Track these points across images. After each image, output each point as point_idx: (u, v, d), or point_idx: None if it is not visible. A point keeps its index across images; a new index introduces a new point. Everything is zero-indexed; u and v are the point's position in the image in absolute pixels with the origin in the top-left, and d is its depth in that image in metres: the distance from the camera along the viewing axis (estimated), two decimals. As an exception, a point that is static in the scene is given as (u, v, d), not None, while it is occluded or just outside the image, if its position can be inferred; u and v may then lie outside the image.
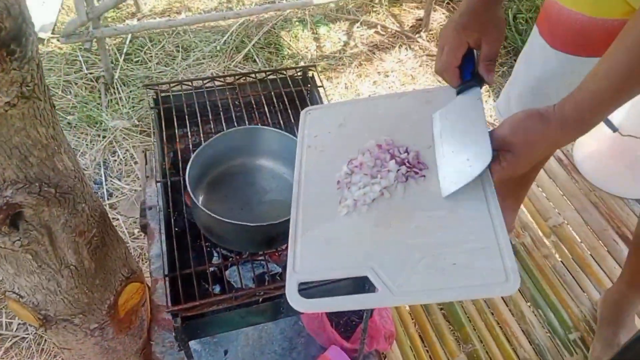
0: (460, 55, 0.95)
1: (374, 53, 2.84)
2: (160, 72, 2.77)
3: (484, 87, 0.95)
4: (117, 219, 2.30)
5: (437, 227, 0.80)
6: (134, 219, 2.32)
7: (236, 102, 1.28)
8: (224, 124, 1.21)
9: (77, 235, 1.07)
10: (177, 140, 1.17)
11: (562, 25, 1.14)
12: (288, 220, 0.88)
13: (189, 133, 1.20)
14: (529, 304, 1.63)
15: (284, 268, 1.08)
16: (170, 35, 2.93)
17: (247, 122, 1.25)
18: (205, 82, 1.28)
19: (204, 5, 3.13)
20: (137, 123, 2.59)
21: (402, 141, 0.94)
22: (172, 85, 1.25)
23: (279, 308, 1.01)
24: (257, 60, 2.82)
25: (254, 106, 1.29)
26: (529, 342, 1.56)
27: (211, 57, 2.86)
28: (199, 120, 1.21)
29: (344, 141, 0.97)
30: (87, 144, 2.50)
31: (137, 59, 2.81)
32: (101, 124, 2.55)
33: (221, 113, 1.23)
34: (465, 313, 1.61)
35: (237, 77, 1.31)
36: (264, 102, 1.27)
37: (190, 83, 1.26)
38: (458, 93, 0.96)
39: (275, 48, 2.88)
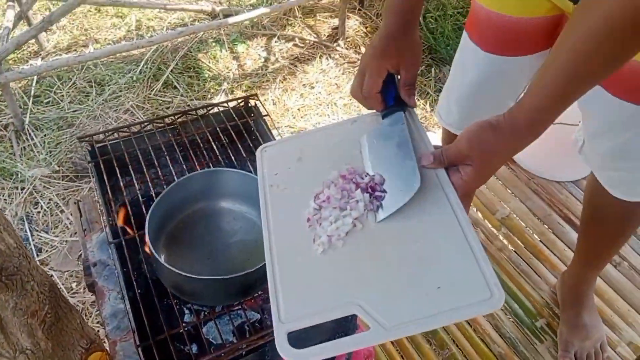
0: (380, 81, 0.94)
1: (295, 66, 2.81)
2: (75, 110, 2.59)
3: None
4: (52, 275, 2.12)
5: (413, 252, 0.78)
6: (69, 272, 2.15)
7: (179, 142, 1.20)
8: (171, 167, 1.13)
9: (29, 316, 0.96)
10: (124, 192, 1.08)
11: (491, 28, 1.17)
12: (264, 266, 0.83)
13: (135, 182, 1.11)
14: None
15: (263, 312, 1.02)
16: (80, 70, 2.75)
17: (195, 163, 1.18)
18: (143, 126, 1.19)
19: (112, 36, 2.97)
20: (58, 169, 2.41)
21: (362, 168, 0.92)
22: (107, 134, 1.15)
23: (264, 357, 0.96)
24: (178, 86, 2.71)
25: (200, 144, 1.21)
26: (500, 336, 1.59)
27: (128, 88, 2.71)
28: (143, 167, 1.12)
29: (306, 176, 0.93)
30: (4, 199, 2.28)
31: (47, 100, 2.61)
32: (17, 175, 2.34)
33: (166, 156, 1.15)
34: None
35: (176, 116, 1.23)
36: (210, 139, 1.20)
37: (127, 129, 1.17)
38: (383, 117, 0.96)
39: (195, 72, 2.78)
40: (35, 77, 2.64)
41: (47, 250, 2.18)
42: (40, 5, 3.04)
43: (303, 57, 2.85)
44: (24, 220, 2.24)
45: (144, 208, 1.06)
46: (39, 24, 2.32)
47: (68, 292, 2.07)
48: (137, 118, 2.56)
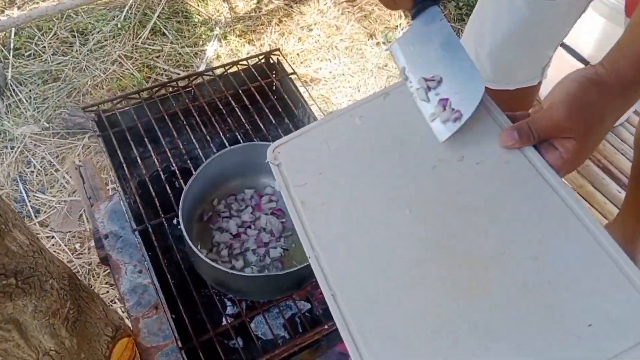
0: None
1: (291, 7, 2.57)
2: (59, 63, 2.35)
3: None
4: (53, 237, 1.98)
5: (534, 272, 0.56)
6: (71, 233, 2.01)
7: (197, 107, 1.03)
8: (190, 135, 0.96)
9: (50, 317, 0.83)
10: (142, 166, 0.92)
11: None
12: None
13: (153, 154, 0.95)
14: None
15: (313, 299, 0.90)
16: (61, 19, 2.47)
17: (217, 128, 1.01)
18: (155, 90, 1.02)
19: (90, -22, 2.66)
20: (47, 125, 2.21)
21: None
22: (115, 102, 0.98)
23: (318, 351, 0.84)
24: (167, 32, 2.46)
25: (220, 108, 1.04)
26: None
27: (113, 37, 2.46)
28: (160, 138, 0.96)
29: (345, 181, 0.68)
30: (-6, 159, 2.09)
31: (28, 53, 2.36)
32: (5, 133, 2.14)
33: (183, 123, 0.98)
34: None
35: (192, 77, 1.05)
36: (232, 102, 1.03)
37: (137, 95, 0.99)
38: (413, 17, 0.75)
39: (183, 16, 2.53)
40: (13, 29, 2.36)
41: (45, 211, 2.03)
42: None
43: (298, -4, 2.61)
44: (17, 181, 2.06)
45: (167, 186, 0.91)
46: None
47: (72, 254, 1.94)
48: (127, 69, 2.34)
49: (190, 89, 1.05)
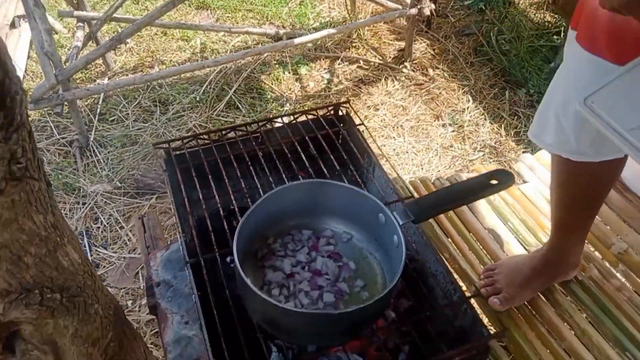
0: None
1: (360, 88, 2.64)
2: (139, 129, 2.48)
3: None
4: (109, 294, 1.97)
5: None
6: (125, 289, 2.00)
7: (264, 151, 1.02)
8: (255, 179, 0.94)
9: (90, 345, 0.78)
10: (203, 205, 0.90)
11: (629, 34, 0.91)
12: (380, 300, 0.62)
13: (215, 194, 0.93)
14: (614, 348, 1.34)
15: (367, 357, 0.81)
16: (146, 90, 2.66)
17: (282, 174, 0.98)
18: (225, 132, 1.02)
19: (177, 57, 2.89)
20: (119, 185, 2.29)
21: None
22: (185, 141, 0.99)
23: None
24: (240, 106, 2.57)
25: (287, 154, 1.02)
26: None
27: (191, 108, 2.59)
28: (225, 178, 0.94)
29: None
30: (66, 214, 2.17)
31: (112, 118, 2.52)
32: (79, 190, 2.23)
33: (249, 166, 0.96)
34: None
35: (260, 123, 1.06)
36: (298, 148, 1.01)
37: (207, 136, 1.00)
38: None
39: (257, 93, 2.65)
40: (101, 95, 2.56)
41: (104, 266, 2.05)
42: (108, 28, 3.00)
43: (367, 79, 2.68)
44: (83, 235, 2.11)
45: (225, 223, 0.88)
46: (108, 42, 2.23)
47: (124, 310, 1.91)
48: (200, 137, 2.44)
49: (258, 134, 1.05)
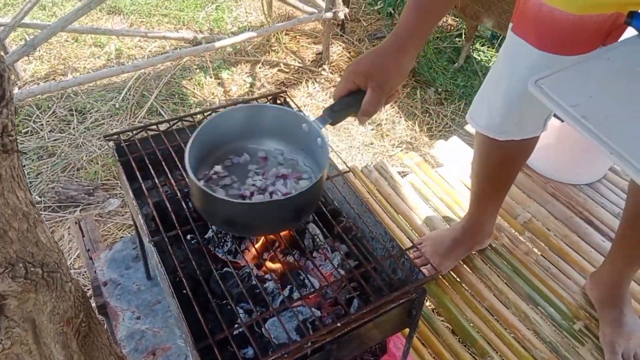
0: (345, 90, 0.97)
1: (283, 91, 2.75)
2: (56, 139, 2.41)
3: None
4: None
5: None
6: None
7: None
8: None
9: (64, 324, 0.82)
10: (160, 189, 0.96)
11: (552, 26, 1.08)
12: (314, 186, 0.84)
13: (171, 179, 1.00)
14: (528, 303, 1.57)
15: (323, 310, 0.92)
16: (60, 99, 2.59)
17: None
18: (173, 123, 1.09)
19: (91, 65, 2.83)
20: (39, 199, 2.22)
21: None
22: (135, 132, 1.04)
23: (329, 357, 0.84)
24: (163, 113, 2.58)
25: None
26: (540, 341, 1.48)
27: (111, 116, 2.56)
28: (178, 164, 1.01)
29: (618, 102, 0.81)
30: (-18, 231, 2.06)
31: (25, 130, 2.43)
32: (-5, 206, 2.13)
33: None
34: (473, 326, 1.51)
35: (206, 113, 1.13)
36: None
37: (156, 127, 1.06)
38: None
39: (179, 98, 2.67)
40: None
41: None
42: (15, 36, 2.88)
43: (289, 81, 2.80)
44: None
45: (184, 204, 0.95)
46: (20, 47, 2.17)
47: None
48: (123, 144, 2.42)
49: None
